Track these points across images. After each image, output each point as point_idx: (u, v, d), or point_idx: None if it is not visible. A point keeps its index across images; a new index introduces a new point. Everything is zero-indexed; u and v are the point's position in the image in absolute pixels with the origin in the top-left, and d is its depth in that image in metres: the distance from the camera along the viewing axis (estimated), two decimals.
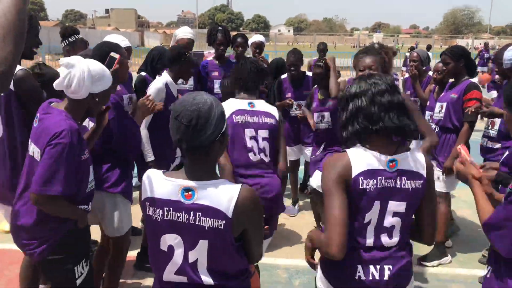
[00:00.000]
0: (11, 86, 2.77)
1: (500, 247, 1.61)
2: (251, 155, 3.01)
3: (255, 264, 1.95)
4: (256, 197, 1.66)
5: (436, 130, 4.03)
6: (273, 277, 3.67)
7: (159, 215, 1.62)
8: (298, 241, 4.35)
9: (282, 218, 4.73)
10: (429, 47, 20.07)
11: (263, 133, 3.02)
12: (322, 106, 4.21)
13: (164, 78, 3.64)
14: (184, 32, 4.58)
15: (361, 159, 1.79)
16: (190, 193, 1.59)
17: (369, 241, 1.84)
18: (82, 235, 2.40)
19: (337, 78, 4.21)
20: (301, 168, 5.59)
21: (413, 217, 1.96)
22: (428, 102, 4.41)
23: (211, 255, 1.62)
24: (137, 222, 4.48)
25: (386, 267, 1.83)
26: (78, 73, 2.14)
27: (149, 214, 1.65)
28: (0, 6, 1.14)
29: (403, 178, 1.81)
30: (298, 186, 5.41)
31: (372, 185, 1.78)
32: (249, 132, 3.00)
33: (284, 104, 4.73)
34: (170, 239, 1.64)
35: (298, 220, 4.93)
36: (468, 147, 3.91)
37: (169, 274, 1.68)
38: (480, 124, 4.25)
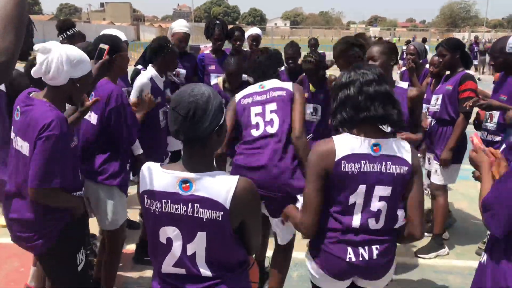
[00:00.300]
0: (2, 87, 2.77)
1: (491, 225, 1.64)
2: (253, 131, 2.77)
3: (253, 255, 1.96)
4: (254, 188, 1.67)
5: (433, 122, 4.04)
6: None
7: (157, 208, 1.63)
8: (296, 234, 4.35)
9: None
10: (424, 41, 20.06)
11: (271, 106, 2.79)
12: (314, 98, 4.13)
13: (149, 72, 3.61)
14: (179, 26, 4.55)
15: (346, 144, 1.91)
16: (187, 184, 1.59)
17: (356, 223, 1.95)
18: (81, 222, 2.41)
19: None
20: None
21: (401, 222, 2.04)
22: (425, 95, 4.42)
23: (209, 247, 1.62)
24: (135, 216, 4.49)
25: (374, 247, 1.96)
26: (55, 57, 2.09)
27: (148, 207, 1.66)
28: None
29: (388, 162, 1.91)
30: None
31: (356, 168, 1.89)
32: (255, 109, 2.81)
33: None
34: (168, 232, 1.64)
35: None
36: (465, 139, 3.94)
37: (167, 266, 1.68)
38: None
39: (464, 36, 45.92)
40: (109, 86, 2.81)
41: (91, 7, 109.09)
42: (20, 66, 2.84)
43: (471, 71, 4.20)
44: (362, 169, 1.89)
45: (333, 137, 1.96)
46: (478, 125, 4.03)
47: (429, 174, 4.22)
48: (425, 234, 4.30)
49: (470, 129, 3.89)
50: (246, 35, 5.24)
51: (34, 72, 2.12)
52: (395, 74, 3.73)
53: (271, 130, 2.74)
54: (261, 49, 3.27)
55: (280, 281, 2.99)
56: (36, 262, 2.87)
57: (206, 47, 5.40)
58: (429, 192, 4.33)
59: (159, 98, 3.58)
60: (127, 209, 3.20)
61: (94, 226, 3.92)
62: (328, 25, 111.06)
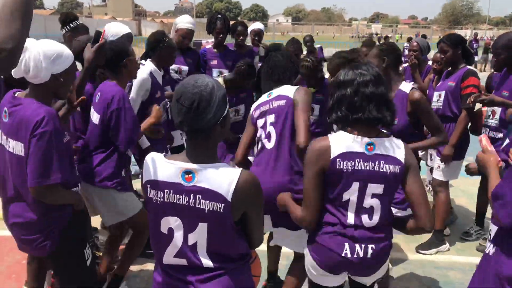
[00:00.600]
0: None
1: (500, 215, 1.69)
2: (258, 145, 2.71)
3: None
4: (256, 181, 1.67)
5: None
6: None
7: (159, 197, 1.63)
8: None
9: None
10: (424, 37, 19.96)
11: (270, 118, 2.65)
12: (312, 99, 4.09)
13: (148, 67, 3.61)
14: (184, 22, 4.52)
15: (341, 142, 1.96)
16: (190, 175, 1.59)
17: (350, 219, 1.99)
18: (84, 217, 2.43)
19: None
20: None
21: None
22: (428, 92, 4.41)
23: (210, 238, 1.63)
24: None
25: (369, 246, 2.00)
26: (33, 55, 2.07)
27: (150, 197, 1.67)
28: None
29: (381, 162, 1.95)
30: None
31: (350, 166, 1.94)
32: (260, 122, 2.70)
33: None
34: (170, 222, 1.65)
35: None
36: (467, 135, 3.93)
37: (169, 257, 1.69)
38: None
39: (466, 33, 45.81)
40: (115, 88, 2.81)
41: (92, 2, 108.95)
42: None
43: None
44: (356, 167, 1.94)
45: (329, 135, 2.01)
46: (473, 131, 4.03)
47: (431, 170, 4.22)
48: None
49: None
50: (249, 30, 5.23)
51: (14, 72, 2.09)
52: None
53: (269, 145, 2.62)
54: (272, 45, 3.22)
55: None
56: (31, 261, 2.86)
57: (208, 42, 5.38)
58: (430, 188, 4.34)
59: (159, 92, 3.59)
60: None
61: (95, 220, 3.94)
62: (330, 21, 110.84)
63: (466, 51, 3.96)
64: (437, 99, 4.00)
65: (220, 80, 4.13)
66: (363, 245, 1.99)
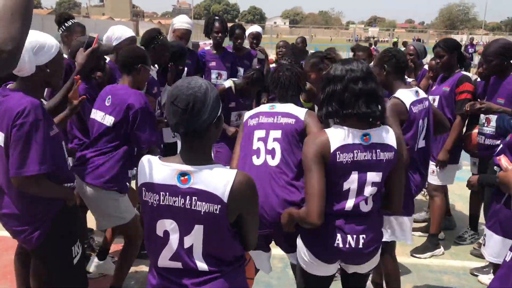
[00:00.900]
0: None
1: None
2: (254, 158, 2.49)
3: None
4: (252, 183, 1.67)
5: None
6: None
7: (155, 200, 1.64)
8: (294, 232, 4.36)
9: None
10: (419, 40, 20.04)
11: (275, 133, 2.48)
12: None
13: None
14: (181, 22, 4.52)
15: (338, 135, 2.04)
16: (186, 177, 1.60)
17: (348, 205, 2.07)
18: (75, 214, 2.40)
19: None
20: None
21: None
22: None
23: (206, 241, 1.63)
24: None
25: (361, 236, 2.08)
26: None
27: (146, 200, 1.66)
28: None
29: (377, 150, 2.05)
30: None
31: (349, 158, 2.02)
32: (258, 133, 2.53)
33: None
34: (166, 224, 1.65)
35: None
36: (461, 139, 3.95)
37: (164, 260, 1.69)
38: None
39: (462, 38, 45.96)
40: (130, 90, 2.86)
41: (90, 2, 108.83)
42: None
43: (467, 72, 4.22)
44: (355, 158, 2.03)
45: (326, 129, 2.09)
46: (466, 151, 4.05)
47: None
48: (421, 233, 4.35)
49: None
50: (247, 33, 5.24)
51: None
52: None
53: (273, 162, 2.45)
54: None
55: None
56: (16, 260, 2.83)
57: (206, 44, 5.38)
58: (425, 192, 4.35)
59: (155, 88, 3.62)
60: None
61: (91, 221, 3.93)
62: (328, 24, 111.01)
63: (461, 57, 3.98)
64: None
65: (230, 83, 4.12)
66: (354, 236, 2.07)
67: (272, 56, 7.56)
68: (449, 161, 3.92)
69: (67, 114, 2.64)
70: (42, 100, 2.33)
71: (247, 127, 2.60)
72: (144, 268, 3.54)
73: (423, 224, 4.54)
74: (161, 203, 1.63)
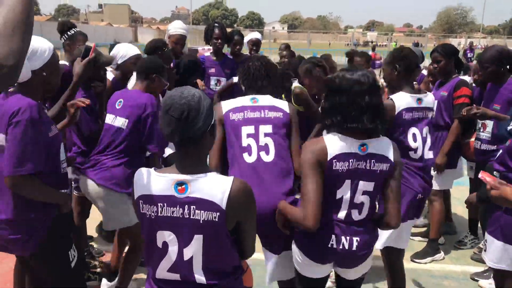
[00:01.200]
0: None
1: None
2: (245, 156, 2.45)
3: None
4: (249, 189, 1.68)
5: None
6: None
7: (153, 212, 1.63)
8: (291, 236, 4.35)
9: None
10: (416, 45, 20.03)
11: (265, 128, 2.47)
12: None
13: None
14: (175, 28, 4.54)
15: (336, 143, 2.03)
16: (183, 187, 1.60)
17: (341, 214, 2.08)
18: (69, 219, 2.41)
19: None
20: None
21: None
22: None
23: (206, 251, 1.63)
24: None
25: (354, 239, 2.10)
26: None
27: (143, 212, 1.65)
28: (7, 1, 1.12)
29: (372, 160, 2.04)
30: None
31: (344, 166, 2.02)
32: (246, 129, 2.49)
33: None
34: (165, 236, 1.64)
35: None
36: (458, 143, 3.95)
37: (162, 271, 1.68)
38: None
39: (460, 42, 46.08)
40: (144, 95, 2.93)
41: (89, 8, 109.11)
42: None
43: (466, 77, 4.23)
44: (349, 167, 2.03)
45: (323, 137, 2.08)
46: (466, 157, 4.09)
47: None
48: (421, 239, 4.35)
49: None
50: (246, 39, 5.26)
51: None
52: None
53: (267, 158, 2.45)
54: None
55: None
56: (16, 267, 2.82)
57: (205, 49, 5.41)
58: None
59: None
60: None
61: (90, 227, 3.93)
62: (326, 29, 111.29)
63: (459, 62, 4.00)
64: None
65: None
66: (348, 237, 2.09)
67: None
68: (447, 165, 3.92)
69: (66, 123, 2.65)
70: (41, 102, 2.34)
71: (229, 121, 2.53)
72: (143, 276, 3.53)
73: (423, 229, 4.54)
74: (159, 214, 1.62)
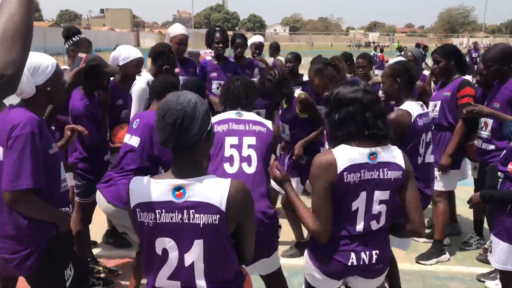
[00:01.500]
0: None
1: None
2: (226, 166, 2.47)
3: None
4: (247, 190, 1.67)
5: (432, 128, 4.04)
6: None
7: (151, 219, 1.60)
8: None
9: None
10: (418, 46, 19.88)
11: (249, 140, 2.53)
12: (283, 117, 4.02)
13: (145, 77, 3.65)
14: (176, 29, 4.52)
15: (345, 156, 1.98)
16: (181, 191, 1.58)
17: (359, 227, 2.03)
18: (67, 238, 2.34)
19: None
20: None
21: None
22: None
23: (207, 256, 1.61)
24: None
25: (374, 252, 2.06)
26: None
27: (141, 220, 1.63)
28: (6, 9, 1.12)
29: (384, 169, 2.01)
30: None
31: (356, 178, 1.97)
32: (230, 140, 2.53)
33: None
34: (164, 243, 1.62)
35: None
36: (463, 144, 3.93)
37: (162, 279, 1.66)
38: None
39: (462, 41, 46.02)
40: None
41: (91, 13, 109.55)
42: None
43: (470, 77, 4.21)
44: (362, 178, 1.98)
45: (332, 150, 2.03)
46: (470, 159, 4.09)
47: None
48: (426, 240, 4.32)
49: None
50: (249, 43, 5.27)
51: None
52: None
53: (249, 169, 2.48)
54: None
55: None
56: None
57: (207, 53, 5.41)
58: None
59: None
60: None
61: (94, 233, 3.93)
62: (328, 30, 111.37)
63: (463, 63, 3.97)
64: (432, 109, 4.01)
65: None
66: (367, 252, 2.05)
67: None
68: (452, 166, 3.90)
69: (62, 145, 2.69)
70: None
71: (216, 132, 2.54)
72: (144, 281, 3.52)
73: (428, 231, 4.51)
74: (158, 221, 1.60)
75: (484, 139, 3.74)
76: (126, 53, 3.58)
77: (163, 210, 1.59)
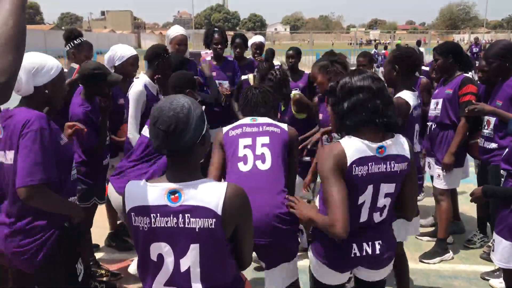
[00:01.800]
0: None
1: None
2: (240, 165, 2.44)
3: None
4: (244, 193, 1.64)
5: (433, 126, 4.02)
6: None
7: (146, 224, 1.58)
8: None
9: None
10: (419, 43, 19.79)
11: (263, 140, 2.49)
12: (281, 119, 3.91)
13: (142, 79, 3.62)
14: (175, 30, 4.52)
15: (354, 148, 1.94)
16: (176, 195, 1.55)
17: (363, 219, 2.03)
18: (79, 231, 2.36)
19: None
20: None
21: None
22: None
23: (203, 260, 1.58)
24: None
25: (376, 242, 2.05)
26: None
27: (136, 225, 1.60)
28: None
29: (392, 162, 1.98)
30: None
31: (364, 171, 1.94)
32: (244, 141, 2.50)
33: None
34: (159, 248, 1.60)
35: None
36: (465, 142, 3.91)
37: (158, 285, 1.63)
38: None
39: (464, 37, 45.88)
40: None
41: (92, 16, 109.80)
42: None
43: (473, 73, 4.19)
44: (369, 171, 1.95)
45: (340, 141, 1.98)
46: (474, 157, 4.07)
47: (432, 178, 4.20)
48: (429, 238, 4.30)
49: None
50: (250, 43, 5.25)
51: None
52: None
53: (263, 166, 2.43)
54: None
55: None
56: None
57: (207, 53, 5.41)
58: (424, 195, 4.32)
59: (154, 105, 3.62)
60: None
61: (96, 236, 3.92)
62: (328, 29, 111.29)
63: (462, 59, 3.94)
64: (435, 107, 3.99)
65: (251, 76, 3.95)
66: (370, 242, 2.04)
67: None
68: (455, 164, 3.88)
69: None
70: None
71: (228, 138, 2.54)
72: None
73: (431, 229, 4.49)
74: (153, 225, 1.57)
75: (485, 137, 3.71)
76: (121, 52, 3.57)
77: (158, 214, 1.56)
